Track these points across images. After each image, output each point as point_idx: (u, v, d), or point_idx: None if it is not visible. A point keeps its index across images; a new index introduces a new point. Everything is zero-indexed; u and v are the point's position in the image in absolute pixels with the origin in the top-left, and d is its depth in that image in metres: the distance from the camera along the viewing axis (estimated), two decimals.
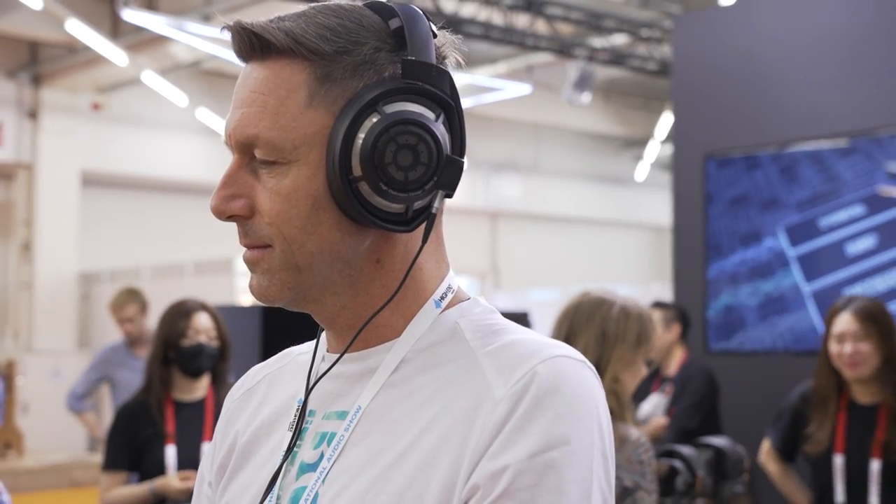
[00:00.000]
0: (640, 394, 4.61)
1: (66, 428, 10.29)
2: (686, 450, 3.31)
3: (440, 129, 0.97)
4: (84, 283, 11.33)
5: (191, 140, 11.88)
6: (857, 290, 4.56)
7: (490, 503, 0.90)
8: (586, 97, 10.64)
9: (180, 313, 3.46)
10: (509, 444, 0.91)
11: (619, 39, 10.71)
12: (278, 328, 3.82)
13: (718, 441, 3.80)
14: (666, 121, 12.74)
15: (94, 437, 10.88)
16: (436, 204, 0.99)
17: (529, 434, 0.91)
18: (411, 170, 0.95)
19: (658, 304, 5.00)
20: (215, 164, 11.63)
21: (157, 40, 9.60)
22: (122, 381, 5.75)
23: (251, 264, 1.01)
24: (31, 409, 9.60)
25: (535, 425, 0.91)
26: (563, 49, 10.40)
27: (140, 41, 9.67)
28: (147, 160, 11.72)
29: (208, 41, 9.01)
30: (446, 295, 1.04)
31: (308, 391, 1.05)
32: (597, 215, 15.89)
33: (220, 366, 3.50)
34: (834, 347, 3.38)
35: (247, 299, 9.30)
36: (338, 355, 1.03)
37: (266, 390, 1.14)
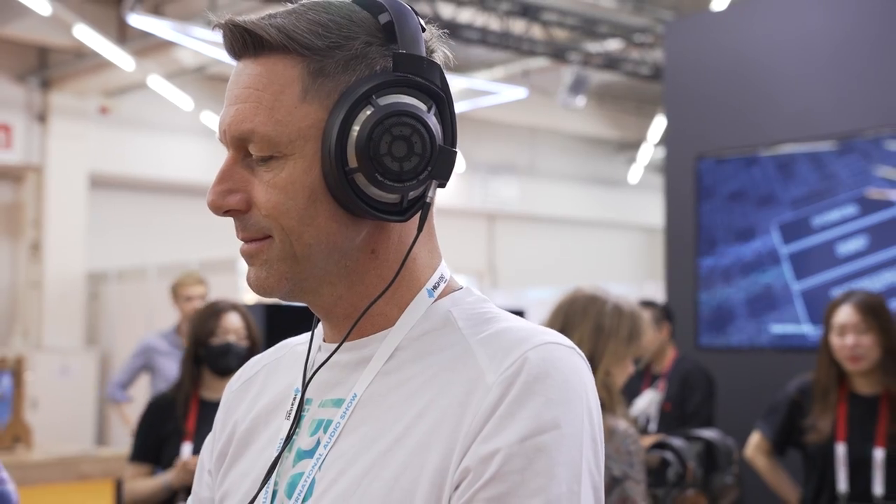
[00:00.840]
0: (631, 391, 4.62)
1: (74, 424, 10.41)
2: (677, 442, 3.33)
3: (432, 121, 0.98)
4: (92, 283, 11.37)
5: (195, 143, 11.93)
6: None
7: (481, 486, 0.91)
8: (581, 101, 10.73)
9: (211, 312, 3.49)
10: (500, 428, 0.92)
11: (613, 44, 10.78)
12: (281, 326, 3.82)
13: (709, 433, 3.80)
14: (658, 124, 12.78)
15: (103, 433, 11.02)
16: (430, 193, 0.99)
17: (520, 418, 0.92)
18: (406, 160, 0.96)
19: (646, 304, 4.96)
20: (219, 166, 11.72)
21: (163, 45, 9.65)
22: (162, 369, 5.63)
23: (249, 257, 1.01)
24: (40, 405, 9.68)
25: (526, 410, 0.92)
26: (558, 54, 10.49)
27: (146, 46, 9.75)
28: (153, 162, 11.78)
29: (213, 46, 9.02)
30: (439, 284, 1.05)
31: (307, 380, 1.05)
32: (591, 216, 15.98)
33: None
34: (835, 340, 3.36)
35: (250, 298, 9.45)
36: (334, 345, 1.04)
37: (264, 380, 1.15)
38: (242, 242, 1.02)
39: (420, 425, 0.96)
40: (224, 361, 3.44)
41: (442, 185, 1.00)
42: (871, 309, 3.35)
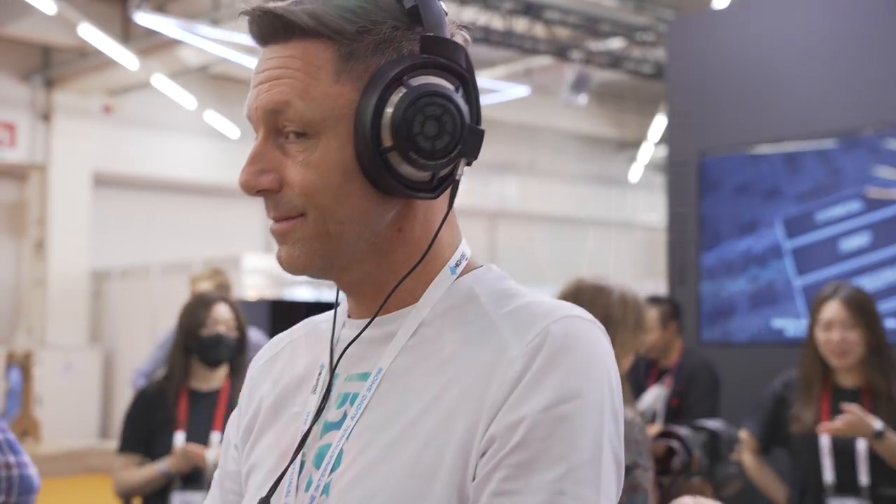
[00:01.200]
0: (637, 387, 4.62)
1: (79, 420, 10.47)
2: (683, 431, 3.32)
3: (461, 101, 1.00)
4: (95, 280, 11.46)
5: (199, 142, 12.01)
6: None
7: (507, 452, 0.93)
8: (583, 99, 10.80)
9: (201, 304, 3.48)
10: (525, 397, 0.94)
11: (615, 43, 10.88)
12: (286, 321, 3.90)
13: (713, 424, 3.72)
14: (659, 123, 12.87)
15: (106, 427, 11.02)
16: (459, 171, 1.02)
17: (544, 388, 0.94)
18: (438, 139, 0.98)
19: (653, 300, 4.88)
20: (222, 165, 11.75)
21: (167, 44, 9.73)
22: None
23: (281, 236, 1.03)
24: (45, 401, 9.75)
25: (549, 380, 0.95)
26: (561, 52, 10.57)
27: (150, 45, 9.83)
28: (156, 161, 11.85)
29: (218, 44, 9.14)
30: (461, 262, 1.08)
31: (339, 355, 1.07)
32: (592, 215, 16.02)
33: (237, 357, 3.47)
34: (821, 335, 3.35)
35: (252, 295, 9.50)
36: (358, 320, 1.07)
37: (289, 357, 1.17)
38: (273, 222, 1.03)
39: (446, 397, 0.98)
40: (215, 352, 3.44)
41: (469, 164, 1.03)
42: (859, 305, 3.35)
